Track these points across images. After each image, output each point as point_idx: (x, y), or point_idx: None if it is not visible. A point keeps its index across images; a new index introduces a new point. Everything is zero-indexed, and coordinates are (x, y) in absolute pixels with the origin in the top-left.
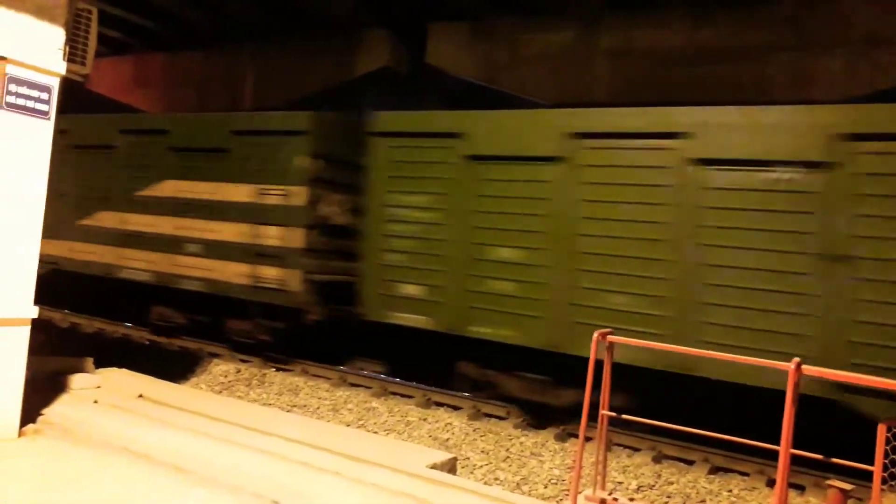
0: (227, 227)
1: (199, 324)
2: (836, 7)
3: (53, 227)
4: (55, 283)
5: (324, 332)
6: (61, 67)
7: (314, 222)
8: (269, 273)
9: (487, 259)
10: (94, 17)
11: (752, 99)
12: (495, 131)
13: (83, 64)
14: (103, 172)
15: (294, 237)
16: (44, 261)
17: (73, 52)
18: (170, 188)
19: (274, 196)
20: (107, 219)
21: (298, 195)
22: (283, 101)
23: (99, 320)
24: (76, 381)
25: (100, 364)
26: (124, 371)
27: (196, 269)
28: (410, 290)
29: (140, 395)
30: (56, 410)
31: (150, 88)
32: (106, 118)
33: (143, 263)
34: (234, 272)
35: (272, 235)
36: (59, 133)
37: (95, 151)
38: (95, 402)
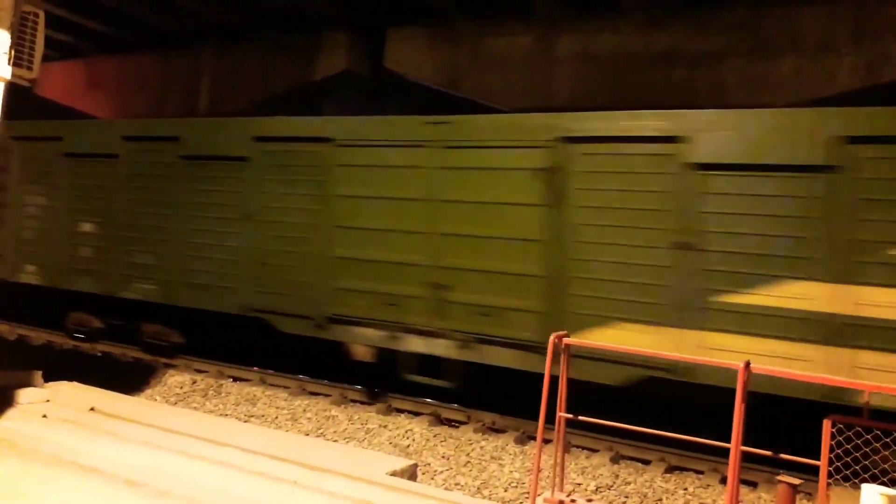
0: None
1: None
2: (785, 14)
3: (612, 303)
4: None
5: None
6: (6, 72)
7: None
8: None
9: None
10: (41, 20)
11: (707, 103)
12: None
13: (30, 68)
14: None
15: None
16: (639, 364)
17: (19, 56)
18: None
19: None
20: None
21: None
22: (244, 104)
23: (47, 332)
24: (24, 395)
25: (49, 377)
26: (75, 384)
27: None
28: None
29: (92, 409)
30: (2, 426)
31: (103, 92)
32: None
33: None
34: None
35: None
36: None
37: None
38: (44, 416)
